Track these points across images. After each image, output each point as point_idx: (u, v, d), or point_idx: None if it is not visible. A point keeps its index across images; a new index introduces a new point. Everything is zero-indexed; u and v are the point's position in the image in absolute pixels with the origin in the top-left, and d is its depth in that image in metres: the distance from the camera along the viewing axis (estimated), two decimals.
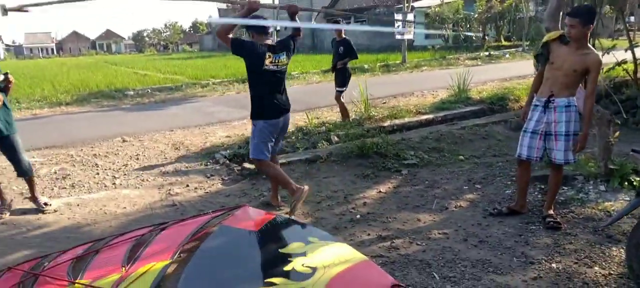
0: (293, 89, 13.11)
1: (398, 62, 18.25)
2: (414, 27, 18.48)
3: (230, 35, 3.89)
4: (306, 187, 3.97)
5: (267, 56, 3.88)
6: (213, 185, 5.08)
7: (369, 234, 3.67)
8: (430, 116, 7.92)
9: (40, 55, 76.88)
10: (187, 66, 23.09)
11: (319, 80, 14.94)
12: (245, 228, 3.39)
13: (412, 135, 6.63)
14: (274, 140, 4.14)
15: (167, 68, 22.90)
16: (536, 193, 4.39)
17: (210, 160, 5.89)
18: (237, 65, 22.14)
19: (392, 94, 10.62)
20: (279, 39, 4.34)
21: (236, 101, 10.98)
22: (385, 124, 7.27)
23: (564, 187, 4.35)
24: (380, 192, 4.66)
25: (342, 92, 7.56)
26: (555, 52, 3.58)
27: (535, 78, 3.93)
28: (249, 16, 3.81)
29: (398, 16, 17.83)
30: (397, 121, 7.57)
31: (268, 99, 3.99)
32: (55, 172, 5.55)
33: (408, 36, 18.00)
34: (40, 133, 7.89)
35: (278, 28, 3.64)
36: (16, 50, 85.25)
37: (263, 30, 3.97)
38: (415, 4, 22.91)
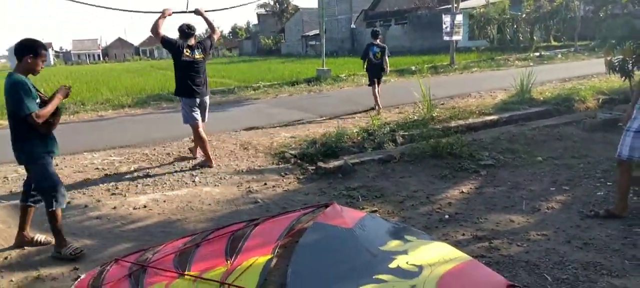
0: (344, 91, 13.13)
1: (446, 63, 17.95)
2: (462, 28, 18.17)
3: (161, 34, 5.41)
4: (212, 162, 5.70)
5: (185, 51, 5.41)
6: (290, 183, 5.13)
7: (463, 234, 3.61)
8: (495, 117, 7.73)
9: (87, 61, 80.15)
10: (232, 70, 23.55)
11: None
12: (340, 226, 3.40)
13: (481, 135, 6.50)
14: (197, 111, 5.61)
15: (213, 72, 23.41)
16: (631, 194, 4.19)
17: (281, 160, 5.96)
18: (283, 68, 22.41)
19: (448, 95, 10.45)
20: (198, 40, 5.69)
21: (291, 103, 11.09)
22: (451, 125, 7.15)
23: None
24: (462, 192, 4.58)
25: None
26: None
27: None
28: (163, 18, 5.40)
29: (446, 17, 17.53)
30: (461, 122, 7.44)
31: (184, 82, 5.46)
32: (135, 170, 5.74)
33: (457, 37, 17.68)
34: (110, 133, 8.21)
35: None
36: (65, 57, 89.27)
37: (184, 34, 5.48)
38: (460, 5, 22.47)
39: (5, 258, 3.56)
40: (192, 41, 5.53)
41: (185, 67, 5.46)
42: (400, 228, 3.41)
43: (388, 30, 34.90)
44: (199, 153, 6.06)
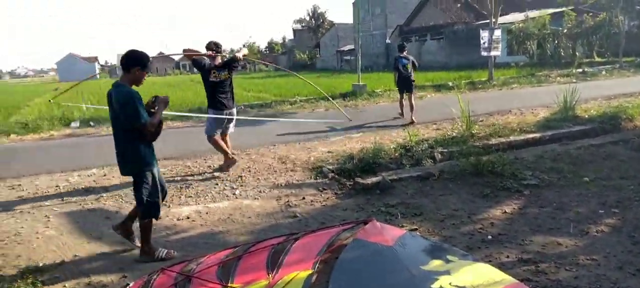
0: (380, 106, 13.11)
1: (484, 79, 17.65)
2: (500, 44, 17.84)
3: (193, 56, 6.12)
4: (237, 161, 6.37)
5: (212, 73, 6.01)
6: (328, 198, 5.16)
7: (507, 256, 3.53)
8: (537, 135, 7.53)
9: None
10: (268, 84, 23.89)
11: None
12: (380, 243, 3.39)
13: (524, 154, 6.35)
14: (222, 124, 6.18)
15: (250, 86, 23.85)
16: None
17: (319, 174, 6.00)
18: (319, 82, 22.58)
19: (487, 111, 10.26)
20: (224, 61, 6.21)
21: (327, 117, 11.17)
22: (491, 142, 7.02)
23: None
24: (505, 212, 4.48)
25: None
26: None
27: None
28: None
29: (484, 33, 17.28)
30: (502, 139, 7.29)
31: (214, 98, 6.05)
32: (178, 182, 5.91)
33: (495, 53, 17.36)
34: (155, 145, 8.47)
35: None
36: (110, 70, 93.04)
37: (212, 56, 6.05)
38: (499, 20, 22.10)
39: (59, 264, 3.73)
40: (218, 60, 6.13)
41: (214, 86, 6.07)
42: (442, 248, 3.37)
43: (423, 46, 34.68)
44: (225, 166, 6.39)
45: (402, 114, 10.18)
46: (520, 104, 11.20)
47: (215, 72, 6.04)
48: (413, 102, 9.76)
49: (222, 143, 6.21)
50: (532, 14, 26.29)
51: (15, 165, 7.43)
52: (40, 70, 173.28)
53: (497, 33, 17.21)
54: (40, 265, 3.71)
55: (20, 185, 6.19)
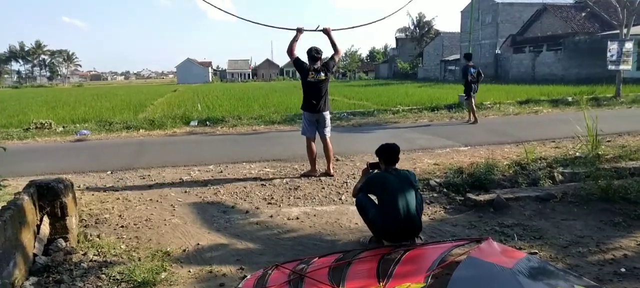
0: (490, 120, 12.49)
1: (609, 95, 15.97)
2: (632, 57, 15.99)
3: (295, 55, 6.33)
4: (319, 172, 6.52)
5: (310, 74, 6.21)
6: (436, 212, 5.01)
7: None
8: None
9: (239, 79, 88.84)
10: (369, 93, 23.98)
11: (516, 111, 13.95)
12: (497, 263, 3.20)
13: None
14: (315, 126, 6.40)
15: (351, 94, 24.15)
16: None
17: (426, 186, 5.85)
18: (421, 92, 22.19)
19: (615, 131, 9.25)
20: (323, 62, 6.36)
21: (431, 129, 10.90)
22: (621, 165, 6.30)
23: None
24: None
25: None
26: None
27: None
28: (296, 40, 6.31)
29: (612, 44, 15.63)
30: (633, 163, 6.51)
31: (308, 99, 6.27)
32: (286, 183, 6.16)
33: (626, 66, 15.60)
34: (265, 146, 8.94)
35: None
36: (221, 75, 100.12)
37: (312, 57, 6.25)
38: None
39: (184, 250, 4.07)
40: (318, 64, 6.27)
41: (310, 86, 6.26)
42: (568, 276, 3.10)
43: (538, 57, 32.35)
44: (323, 168, 6.65)
45: (474, 118, 11.73)
46: None
47: (313, 73, 6.23)
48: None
49: (314, 150, 6.42)
50: None
51: (145, 157, 8.30)
52: (161, 72, 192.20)
53: (629, 45, 15.46)
54: (168, 249, 4.07)
55: (149, 175, 6.90)
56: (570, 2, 35.63)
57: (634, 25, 17.45)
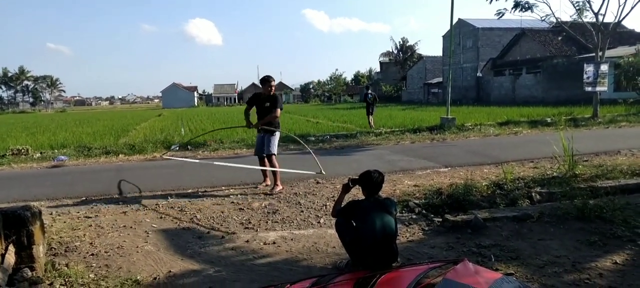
0: (470, 140, 12.60)
1: (587, 116, 16.30)
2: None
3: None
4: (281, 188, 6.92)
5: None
6: (414, 234, 4.97)
7: None
8: None
9: (225, 103, 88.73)
10: (353, 115, 24.10)
11: (496, 132, 14.10)
12: (472, 285, 3.16)
13: (638, 199, 5.67)
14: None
15: (335, 116, 24.24)
16: None
17: (405, 208, 5.83)
18: (404, 115, 22.35)
19: (592, 151, 9.41)
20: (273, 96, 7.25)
21: (412, 151, 10.93)
22: (598, 184, 6.37)
23: None
24: (616, 263, 3.99)
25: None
26: None
27: None
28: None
29: (589, 67, 16.03)
30: (610, 182, 6.59)
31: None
32: (265, 207, 6.07)
33: (601, 88, 15.99)
34: (244, 171, 8.84)
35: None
36: (206, 99, 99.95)
37: (263, 82, 7.21)
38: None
39: (155, 278, 3.95)
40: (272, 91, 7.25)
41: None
42: None
43: (518, 79, 33.03)
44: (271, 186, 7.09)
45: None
46: (631, 144, 10.16)
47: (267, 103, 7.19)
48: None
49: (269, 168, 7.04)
50: None
51: (122, 183, 8.13)
52: (146, 97, 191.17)
53: (604, 67, 15.89)
54: (138, 278, 3.95)
55: (124, 200, 6.74)
56: (547, 26, 36.60)
57: (608, 48, 17.95)
